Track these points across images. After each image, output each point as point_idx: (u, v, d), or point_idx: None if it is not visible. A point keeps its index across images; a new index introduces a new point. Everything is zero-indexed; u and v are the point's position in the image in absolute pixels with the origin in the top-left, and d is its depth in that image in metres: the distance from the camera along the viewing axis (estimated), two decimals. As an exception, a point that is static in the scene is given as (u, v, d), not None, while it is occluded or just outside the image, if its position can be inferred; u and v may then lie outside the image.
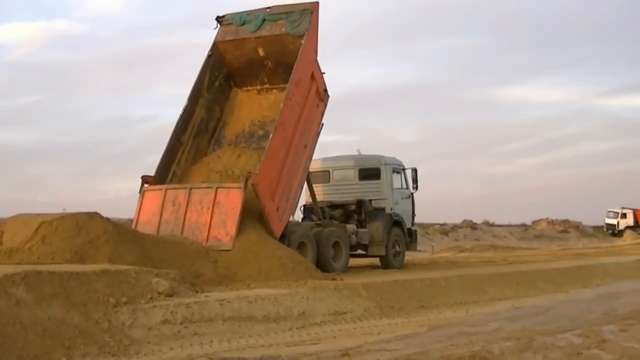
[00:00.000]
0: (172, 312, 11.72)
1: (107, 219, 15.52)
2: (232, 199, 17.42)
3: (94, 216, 15.13)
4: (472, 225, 53.89)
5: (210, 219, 17.40)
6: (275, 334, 12.41)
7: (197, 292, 13.43)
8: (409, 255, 24.57)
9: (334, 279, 16.94)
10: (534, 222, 66.32)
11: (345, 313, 14.32)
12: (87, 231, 14.64)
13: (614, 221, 67.40)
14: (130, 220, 19.44)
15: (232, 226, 17.14)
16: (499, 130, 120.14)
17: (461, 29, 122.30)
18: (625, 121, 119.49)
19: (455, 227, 52.74)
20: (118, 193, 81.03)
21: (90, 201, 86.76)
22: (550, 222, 64.41)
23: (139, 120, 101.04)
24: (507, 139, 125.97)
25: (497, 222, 62.28)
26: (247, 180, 17.25)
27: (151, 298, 12.07)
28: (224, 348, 11.03)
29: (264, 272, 16.40)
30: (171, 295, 12.45)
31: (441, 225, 55.59)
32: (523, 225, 65.18)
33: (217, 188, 17.77)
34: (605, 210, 68.78)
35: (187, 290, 13.24)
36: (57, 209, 16.48)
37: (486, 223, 59.71)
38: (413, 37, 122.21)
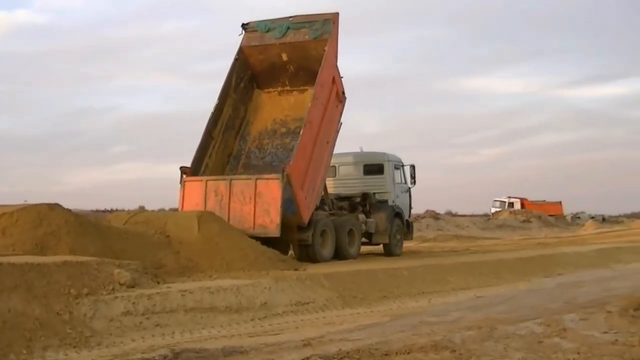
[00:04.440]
0: (133, 303, 11.64)
1: (69, 210, 15.46)
2: (272, 189, 19.17)
3: (55, 207, 15.07)
4: (435, 216, 53.84)
5: (255, 209, 19.14)
6: (237, 324, 12.36)
7: (159, 283, 13.36)
8: (369, 247, 24.92)
9: (296, 269, 17.02)
10: (496, 212, 66.60)
11: (307, 303, 14.30)
12: (48, 222, 14.59)
13: (500, 210, 67.46)
14: (93, 212, 19.48)
15: (275, 215, 18.94)
16: (461, 121, 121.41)
17: (422, 20, 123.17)
18: (586, 112, 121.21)
19: (418, 217, 52.68)
20: (80, 184, 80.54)
21: (53, 193, 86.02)
22: (513, 212, 64.66)
23: (101, 111, 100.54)
24: (469, 129, 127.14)
25: (459, 212, 62.68)
26: (283, 171, 19.03)
27: (113, 289, 11.97)
28: (186, 339, 10.98)
29: (226, 262, 16.61)
30: (133, 287, 12.36)
31: (404, 215, 55.48)
32: (485, 215, 65.51)
33: (256, 179, 19.58)
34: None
35: (149, 281, 13.18)
36: (18, 201, 16.40)
37: (449, 213, 59.93)
38: (374, 29, 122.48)
